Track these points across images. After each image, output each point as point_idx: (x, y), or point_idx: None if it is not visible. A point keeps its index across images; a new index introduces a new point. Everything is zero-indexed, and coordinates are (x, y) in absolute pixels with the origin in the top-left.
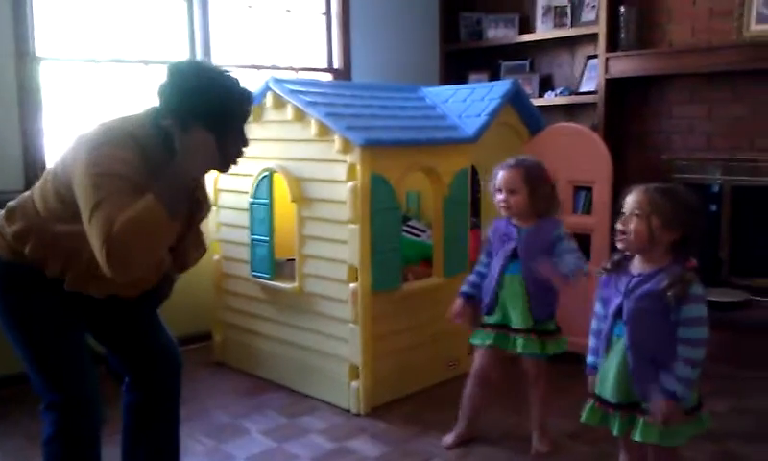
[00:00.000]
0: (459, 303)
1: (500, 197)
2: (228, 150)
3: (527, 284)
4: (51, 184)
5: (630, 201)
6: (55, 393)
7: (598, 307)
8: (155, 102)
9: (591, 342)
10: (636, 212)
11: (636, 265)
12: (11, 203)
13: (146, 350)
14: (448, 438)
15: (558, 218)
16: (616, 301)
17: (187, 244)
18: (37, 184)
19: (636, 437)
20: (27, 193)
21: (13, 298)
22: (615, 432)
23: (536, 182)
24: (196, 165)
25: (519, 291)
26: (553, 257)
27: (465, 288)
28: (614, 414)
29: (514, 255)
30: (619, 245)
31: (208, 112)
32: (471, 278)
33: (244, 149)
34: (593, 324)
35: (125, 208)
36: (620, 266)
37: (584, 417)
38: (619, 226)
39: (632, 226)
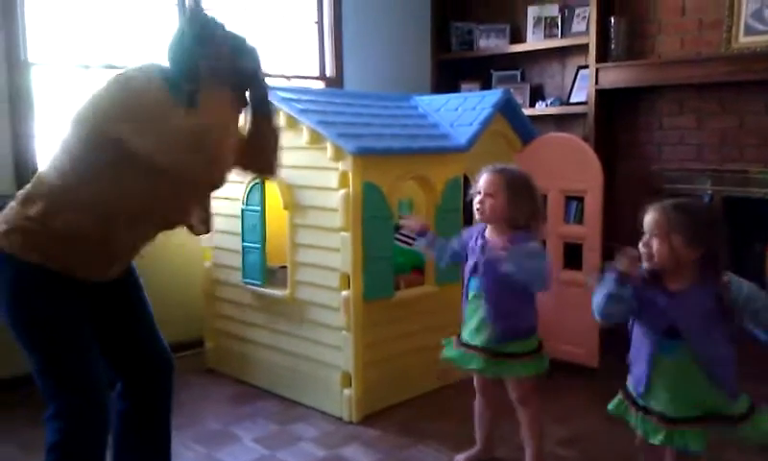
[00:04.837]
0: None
1: (477, 198)
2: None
3: (487, 301)
4: (69, 153)
5: (648, 220)
6: (65, 401)
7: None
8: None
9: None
10: (656, 232)
11: (670, 282)
12: (20, 191)
13: (140, 352)
14: (460, 457)
15: (533, 234)
16: (658, 322)
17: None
18: (49, 162)
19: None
20: (36, 176)
21: (27, 300)
22: (697, 447)
23: (517, 191)
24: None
25: (480, 309)
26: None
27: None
28: (686, 429)
29: (475, 271)
30: (646, 265)
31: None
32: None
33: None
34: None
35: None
36: (654, 279)
37: (656, 439)
38: (642, 247)
39: (654, 247)
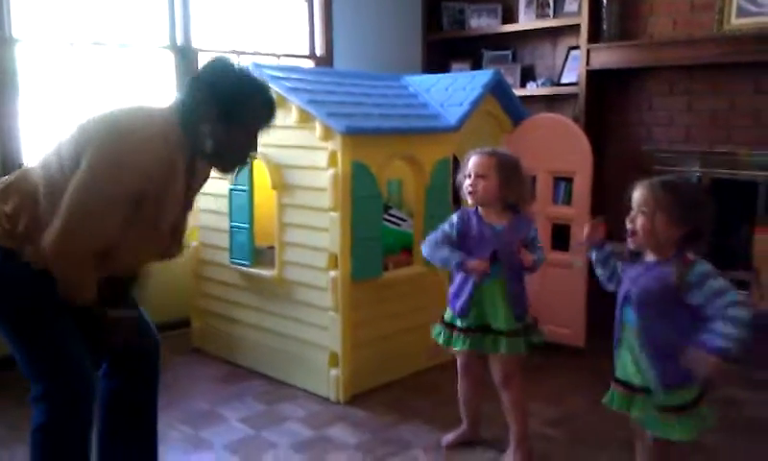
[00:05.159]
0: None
1: (468, 181)
2: (234, 146)
3: (508, 286)
4: (58, 156)
5: (636, 197)
6: (50, 383)
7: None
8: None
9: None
10: (643, 209)
11: (651, 256)
12: (3, 179)
13: None
14: (449, 436)
15: (529, 216)
16: (625, 287)
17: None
18: (40, 158)
19: (649, 428)
20: (22, 169)
21: (7, 285)
22: (637, 413)
23: (508, 172)
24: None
25: (500, 294)
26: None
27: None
28: (637, 396)
29: (494, 257)
30: (630, 245)
31: (224, 99)
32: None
33: (251, 153)
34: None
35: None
36: (638, 257)
37: (608, 400)
38: (628, 224)
39: (639, 223)
